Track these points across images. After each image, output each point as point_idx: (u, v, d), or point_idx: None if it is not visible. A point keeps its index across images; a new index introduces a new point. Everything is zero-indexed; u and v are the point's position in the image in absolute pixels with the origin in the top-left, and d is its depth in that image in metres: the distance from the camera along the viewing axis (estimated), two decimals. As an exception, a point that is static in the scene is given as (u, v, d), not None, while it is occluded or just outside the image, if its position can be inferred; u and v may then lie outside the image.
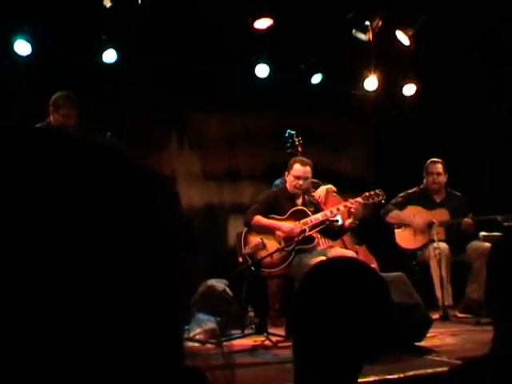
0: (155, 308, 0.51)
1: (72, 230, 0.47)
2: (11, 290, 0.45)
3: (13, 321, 0.45)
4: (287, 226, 5.69)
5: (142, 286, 0.50)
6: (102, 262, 0.48)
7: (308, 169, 5.87)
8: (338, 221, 5.80)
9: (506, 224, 6.19)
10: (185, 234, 0.56)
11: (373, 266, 6.12)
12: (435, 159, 6.95)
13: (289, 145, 6.88)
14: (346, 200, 6.08)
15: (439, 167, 6.91)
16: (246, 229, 5.80)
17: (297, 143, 6.84)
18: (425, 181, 7.00)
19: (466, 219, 6.58)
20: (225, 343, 5.06)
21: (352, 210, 5.81)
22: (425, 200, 6.93)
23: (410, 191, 7.02)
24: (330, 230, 5.87)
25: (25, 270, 0.46)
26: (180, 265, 0.54)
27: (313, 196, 6.35)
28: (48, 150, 0.50)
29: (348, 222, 5.82)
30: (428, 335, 4.79)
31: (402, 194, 6.99)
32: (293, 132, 6.91)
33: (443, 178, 6.91)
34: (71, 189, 0.49)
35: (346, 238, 6.83)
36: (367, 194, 5.96)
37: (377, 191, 5.99)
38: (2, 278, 0.45)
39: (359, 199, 5.91)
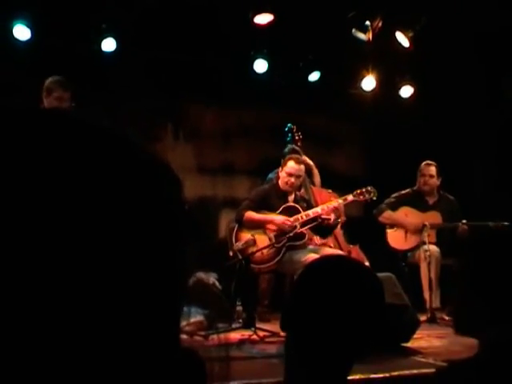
0: (156, 294, 0.51)
1: (75, 217, 0.47)
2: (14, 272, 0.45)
3: (15, 315, 0.45)
4: (280, 218, 5.68)
5: (145, 272, 0.50)
6: (105, 246, 0.48)
7: (302, 167, 5.84)
8: (330, 218, 5.76)
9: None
10: (187, 221, 0.56)
11: (364, 265, 6.12)
12: (429, 161, 6.95)
13: (288, 139, 6.89)
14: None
15: (432, 170, 6.91)
16: (237, 225, 5.77)
17: (297, 138, 6.86)
18: (418, 182, 7.01)
19: (462, 226, 6.58)
20: (221, 335, 5.06)
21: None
22: (418, 202, 6.94)
23: (403, 192, 7.01)
24: (320, 228, 5.84)
25: (25, 255, 0.45)
26: (182, 251, 0.55)
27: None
28: (51, 132, 0.50)
29: (332, 218, 5.74)
30: (415, 337, 4.80)
31: (395, 195, 6.99)
32: (293, 126, 6.92)
33: (435, 181, 6.92)
34: (74, 172, 0.48)
35: (340, 236, 6.83)
36: (358, 190, 5.95)
37: (368, 188, 5.97)
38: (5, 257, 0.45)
39: (350, 196, 5.92)
